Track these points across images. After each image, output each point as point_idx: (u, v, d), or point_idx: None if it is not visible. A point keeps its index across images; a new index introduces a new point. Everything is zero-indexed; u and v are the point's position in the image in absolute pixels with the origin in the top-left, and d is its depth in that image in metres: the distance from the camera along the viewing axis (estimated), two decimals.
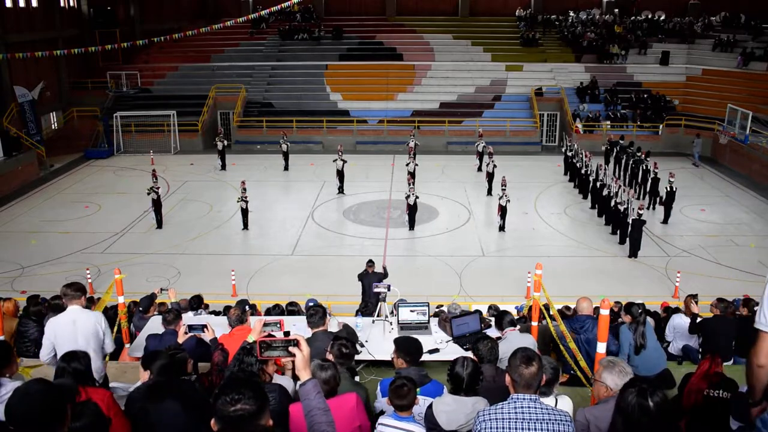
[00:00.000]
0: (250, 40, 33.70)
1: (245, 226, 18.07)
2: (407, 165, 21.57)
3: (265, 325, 4.38)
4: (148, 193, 17.97)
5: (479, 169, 23.62)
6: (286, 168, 24.24)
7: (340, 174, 21.26)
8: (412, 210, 17.97)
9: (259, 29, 34.16)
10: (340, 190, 21.36)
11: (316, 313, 5.15)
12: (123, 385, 4.67)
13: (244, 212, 18.01)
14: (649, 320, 6.90)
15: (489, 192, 20.95)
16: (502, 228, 17.84)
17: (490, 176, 20.99)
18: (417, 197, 17.97)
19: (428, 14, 35.61)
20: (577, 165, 21.68)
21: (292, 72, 31.33)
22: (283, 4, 25.43)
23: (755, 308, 7.80)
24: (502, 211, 17.73)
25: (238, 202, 18.05)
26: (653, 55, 31.25)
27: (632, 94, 28.85)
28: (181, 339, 5.60)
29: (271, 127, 27.69)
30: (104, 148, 26.86)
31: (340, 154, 21.29)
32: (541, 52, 32.20)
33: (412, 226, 18.09)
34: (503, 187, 17.76)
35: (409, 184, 18.48)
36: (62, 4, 30.95)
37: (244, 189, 17.86)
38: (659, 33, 32.46)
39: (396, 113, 28.93)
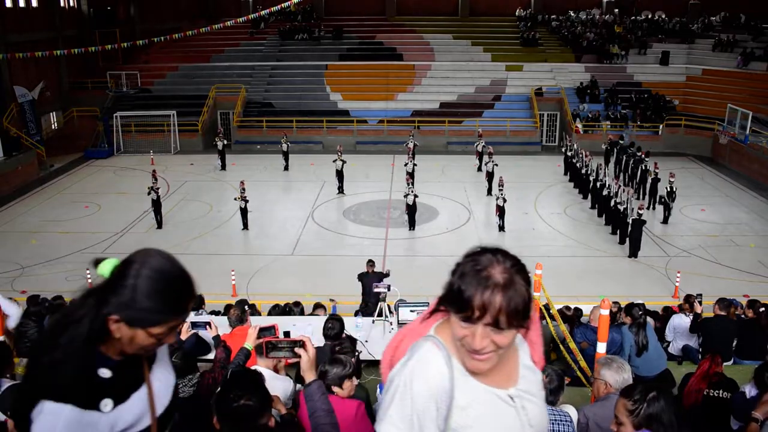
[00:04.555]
0: (250, 40, 33.69)
1: (245, 226, 18.07)
2: (405, 165, 21.57)
3: (261, 330, 4.39)
4: (148, 193, 17.96)
5: (479, 168, 23.62)
6: (286, 168, 24.24)
7: (340, 174, 21.25)
8: (411, 210, 17.96)
9: (259, 29, 34.16)
10: (340, 190, 21.36)
11: (333, 328, 5.27)
12: None
13: (243, 212, 17.98)
14: (649, 320, 6.91)
15: (489, 192, 20.95)
16: (501, 228, 17.84)
17: (490, 176, 20.99)
18: (416, 197, 17.96)
19: (428, 14, 35.59)
20: (577, 165, 21.68)
21: (292, 72, 31.32)
22: (283, 4, 25.45)
23: (761, 310, 7.81)
24: (500, 211, 17.74)
25: (235, 200, 18.03)
26: (653, 55, 31.24)
27: (632, 94, 28.84)
28: (183, 335, 5.61)
29: (271, 127, 27.70)
30: (104, 148, 26.85)
31: (339, 154, 21.29)
32: (541, 52, 32.21)
33: (412, 226, 18.09)
34: (500, 188, 17.79)
35: (408, 184, 18.47)
36: (62, 4, 30.98)
37: (243, 189, 17.85)
38: (659, 33, 32.46)
39: (396, 113, 28.93)
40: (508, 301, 1.47)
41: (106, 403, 1.59)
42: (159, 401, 1.75)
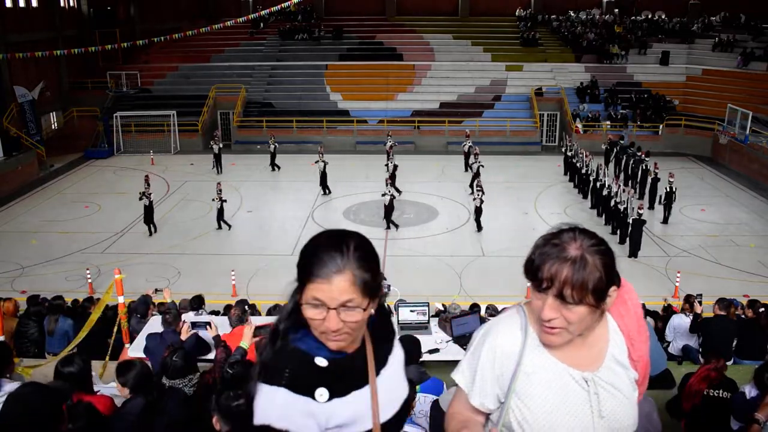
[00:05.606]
0: (250, 40, 33.69)
1: (219, 226, 17.99)
2: (386, 165, 21.49)
3: (258, 328, 4.40)
4: (140, 199, 17.53)
5: (466, 169, 23.44)
6: (273, 169, 23.99)
7: (323, 175, 21.08)
8: (387, 210, 17.87)
9: (259, 29, 34.16)
10: (325, 190, 21.19)
11: None
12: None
13: (220, 212, 17.93)
14: (649, 320, 6.91)
15: (472, 191, 20.79)
16: (479, 228, 17.71)
17: (475, 177, 20.90)
18: (393, 197, 17.89)
19: (428, 14, 35.59)
20: (577, 165, 21.68)
21: (292, 72, 31.33)
22: (283, 4, 25.44)
23: (760, 310, 7.82)
24: (477, 211, 17.70)
25: (213, 200, 18.00)
26: (653, 55, 31.24)
27: (632, 94, 28.84)
28: (183, 336, 5.61)
29: (271, 127, 27.68)
30: (104, 148, 26.84)
31: (321, 155, 21.20)
32: (541, 52, 32.21)
33: (388, 225, 17.92)
34: (478, 188, 17.80)
35: (387, 184, 18.40)
36: (62, 4, 30.99)
37: (220, 190, 17.82)
38: (659, 33, 32.47)
39: (396, 113, 28.93)
40: (573, 274, 1.52)
41: (322, 393, 1.60)
42: (383, 407, 1.70)
